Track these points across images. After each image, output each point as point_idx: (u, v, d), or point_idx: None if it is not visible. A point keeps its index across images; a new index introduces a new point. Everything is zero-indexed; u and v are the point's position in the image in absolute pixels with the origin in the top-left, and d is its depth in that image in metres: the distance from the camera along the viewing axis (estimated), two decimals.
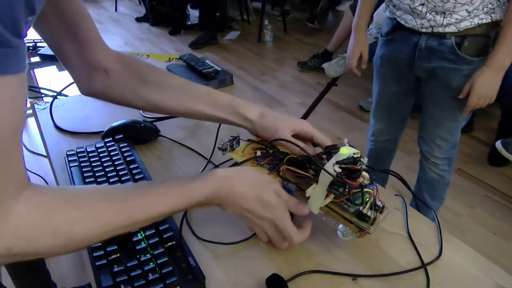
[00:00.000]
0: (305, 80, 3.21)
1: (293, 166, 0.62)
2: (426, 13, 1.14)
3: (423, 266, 0.59)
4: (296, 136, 0.68)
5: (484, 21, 1.12)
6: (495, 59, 1.12)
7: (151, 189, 0.53)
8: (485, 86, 1.15)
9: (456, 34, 1.15)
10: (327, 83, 3.06)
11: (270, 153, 0.67)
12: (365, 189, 0.57)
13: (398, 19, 1.24)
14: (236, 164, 0.66)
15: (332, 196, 0.57)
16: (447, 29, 1.14)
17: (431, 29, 1.17)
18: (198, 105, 0.71)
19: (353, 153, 0.58)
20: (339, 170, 0.56)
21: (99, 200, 0.47)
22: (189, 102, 0.72)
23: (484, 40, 1.16)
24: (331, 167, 0.56)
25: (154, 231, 0.61)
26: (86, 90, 0.75)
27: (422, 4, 1.13)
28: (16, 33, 0.36)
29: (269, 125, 0.68)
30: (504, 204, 1.89)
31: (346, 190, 0.55)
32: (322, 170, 0.56)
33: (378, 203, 0.59)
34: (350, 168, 0.56)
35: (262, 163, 0.67)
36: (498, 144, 1.97)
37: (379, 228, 0.65)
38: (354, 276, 0.58)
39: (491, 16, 1.11)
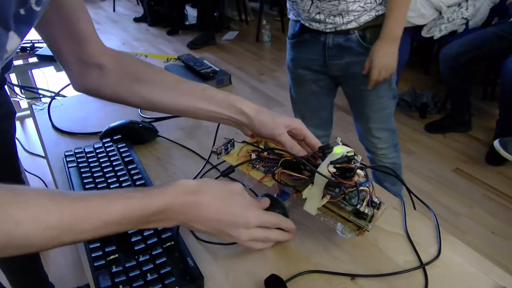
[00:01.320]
0: None
1: (288, 168, 0.61)
2: (325, 19, 1.21)
3: (422, 265, 0.59)
4: (289, 133, 0.68)
5: (380, 12, 1.21)
6: (387, 31, 1.20)
7: (104, 194, 0.49)
8: (383, 58, 1.22)
9: (359, 28, 1.22)
10: None
11: (265, 155, 0.66)
12: (361, 187, 0.57)
13: (302, 21, 1.27)
14: (230, 167, 0.66)
15: (328, 196, 0.57)
16: (349, 26, 1.21)
17: (334, 28, 1.22)
18: (193, 100, 0.71)
19: (347, 152, 0.58)
20: (333, 170, 0.56)
21: (46, 201, 0.43)
22: (184, 98, 0.71)
23: None
24: (325, 168, 0.56)
25: (152, 231, 0.61)
26: (80, 87, 0.75)
27: (319, 13, 1.20)
28: (3, 22, 0.36)
29: (268, 120, 0.68)
30: (503, 204, 1.89)
31: (342, 189, 0.55)
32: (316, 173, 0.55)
33: (375, 199, 0.59)
34: (344, 167, 0.56)
35: (257, 166, 0.66)
36: (496, 143, 1.98)
37: (378, 228, 0.65)
38: (353, 276, 0.58)
39: (385, 7, 1.21)
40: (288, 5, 1.30)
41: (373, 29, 1.22)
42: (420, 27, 2.43)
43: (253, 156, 0.67)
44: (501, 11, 2.43)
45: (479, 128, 2.43)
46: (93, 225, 0.45)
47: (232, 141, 0.72)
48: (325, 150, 0.61)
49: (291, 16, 1.33)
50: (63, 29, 0.66)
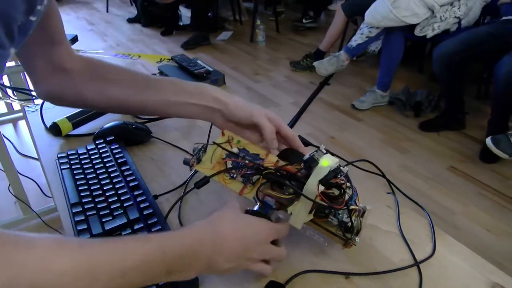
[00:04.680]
0: (298, 79, 3.21)
1: (272, 183, 0.57)
2: None
3: (416, 263, 0.59)
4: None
5: None
6: None
7: (117, 238, 0.44)
8: None
9: None
10: (320, 82, 3.07)
11: (242, 162, 0.61)
12: (351, 207, 0.55)
13: None
14: (204, 178, 0.60)
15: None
16: None
17: None
18: (163, 95, 0.68)
19: (334, 164, 0.56)
20: (322, 188, 0.52)
21: (55, 244, 0.38)
22: (153, 94, 0.69)
23: None
24: (314, 185, 0.52)
25: (145, 232, 0.61)
26: (43, 91, 0.74)
27: None
28: (9, 33, 0.35)
29: (244, 104, 0.66)
30: (497, 201, 1.90)
31: (332, 211, 0.54)
32: (303, 191, 0.53)
33: (360, 209, 0.58)
34: (332, 183, 0.54)
35: (234, 175, 0.61)
36: (488, 141, 1.99)
37: (373, 227, 0.66)
38: (347, 275, 0.58)
39: None
40: None
41: None
42: (413, 26, 2.44)
43: (229, 164, 0.61)
44: (493, 10, 2.44)
45: (473, 127, 2.45)
46: (109, 272, 0.39)
47: (204, 146, 0.65)
48: (311, 164, 0.56)
49: None
50: (34, 31, 0.66)
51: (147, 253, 0.42)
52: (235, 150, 0.64)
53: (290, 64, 3.36)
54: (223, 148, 0.64)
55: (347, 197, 0.54)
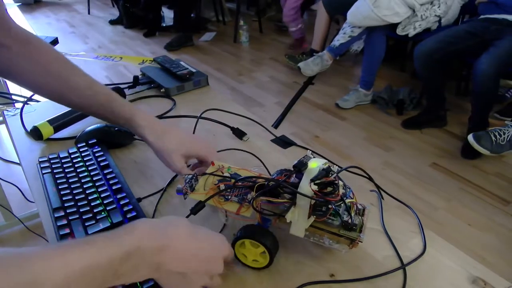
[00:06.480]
0: (282, 79, 3.22)
1: (265, 194, 0.57)
2: None
3: (403, 266, 0.60)
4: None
5: None
6: None
7: (60, 244, 0.41)
8: None
9: None
10: (304, 82, 3.08)
11: (234, 183, 0.62)
12: (347, 200, 0.56)
13: None
14: (199, 203, 0.60)
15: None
16: None
17: None
18: (98, 102, 0.72)
19: (322, 164, 0.56)
20: (315, 187, 0.53)
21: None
22: (91, 99, 0.72)
23: None
24: (307, 187, 0.53)
25: None
26: None
27: None
28: None
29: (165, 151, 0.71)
30: (478, 196, 1.94)
31: (329, 207, 0.54)
32: (297, 194, 0.53)
33: (359, 206, 0.59)
34: (325, 182, 0.54)
35: (229, 197, 0.61)
36: (470, 137, 2.03)
37: None
38: (332, 274, 0.58)
39: None
40: None
41: None
42: (395, 25, 2.47)
43: (222, 186, 0.61)
44: (471, 9, 2.49)
45: (454, 123, 2.49)
46: (53, 282, 0.37)
47: (195, 176, 0.65)
48: (301, 167, 0.56)
49: None
50: None
51: (92, 258, 0.40)
52: (226, 175, 0.65)
53: (285, 56, 3.36)
54: (216, 175, 0.65)
55: (341, 191, 0.55)
